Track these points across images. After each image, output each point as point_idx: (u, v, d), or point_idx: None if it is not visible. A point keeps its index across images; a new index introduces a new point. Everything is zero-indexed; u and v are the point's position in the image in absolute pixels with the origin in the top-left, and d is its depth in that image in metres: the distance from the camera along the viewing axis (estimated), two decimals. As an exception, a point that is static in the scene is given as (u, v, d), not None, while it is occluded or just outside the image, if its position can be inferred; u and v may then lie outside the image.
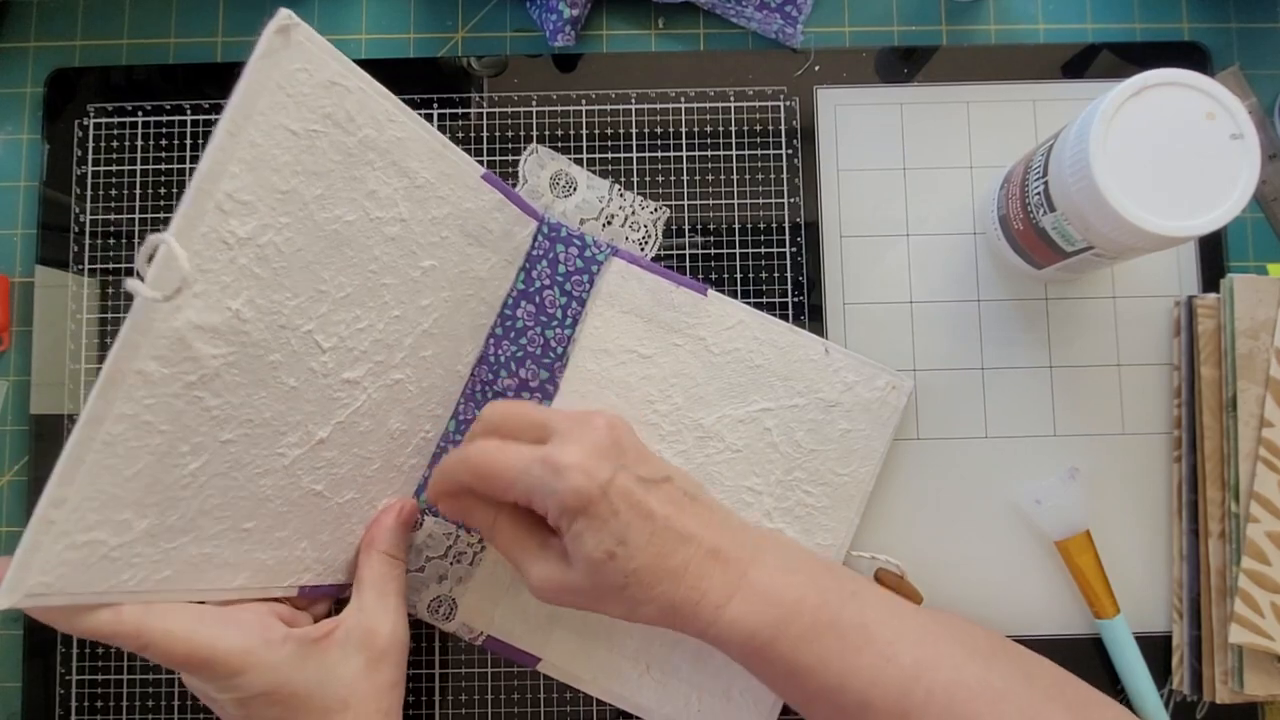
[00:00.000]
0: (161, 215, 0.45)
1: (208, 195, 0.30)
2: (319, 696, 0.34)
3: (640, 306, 0.42)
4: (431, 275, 0.38)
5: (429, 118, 0.45)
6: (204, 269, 0.30)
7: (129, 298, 0.44)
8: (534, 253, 0.42)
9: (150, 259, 0.29)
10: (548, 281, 0.42)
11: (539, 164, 0.44)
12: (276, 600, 0.37)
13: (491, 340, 0.42)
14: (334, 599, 0.41)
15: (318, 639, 0.35)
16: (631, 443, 0.36)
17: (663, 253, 0.44)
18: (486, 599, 0.42)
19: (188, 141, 0.45)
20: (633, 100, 0.45)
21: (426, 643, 0.43)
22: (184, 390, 0.30)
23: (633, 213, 0.44)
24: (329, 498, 0.37)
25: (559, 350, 0.42)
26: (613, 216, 0.44)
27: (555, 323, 0.42)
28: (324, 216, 0.33)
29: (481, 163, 0.45)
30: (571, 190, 0.44)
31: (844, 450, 0.42)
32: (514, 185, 0.44)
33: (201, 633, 0.32)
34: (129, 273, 0.44)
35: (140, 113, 0.45)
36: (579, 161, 0.45)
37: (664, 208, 0.44)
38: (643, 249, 0.44)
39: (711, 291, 0.43)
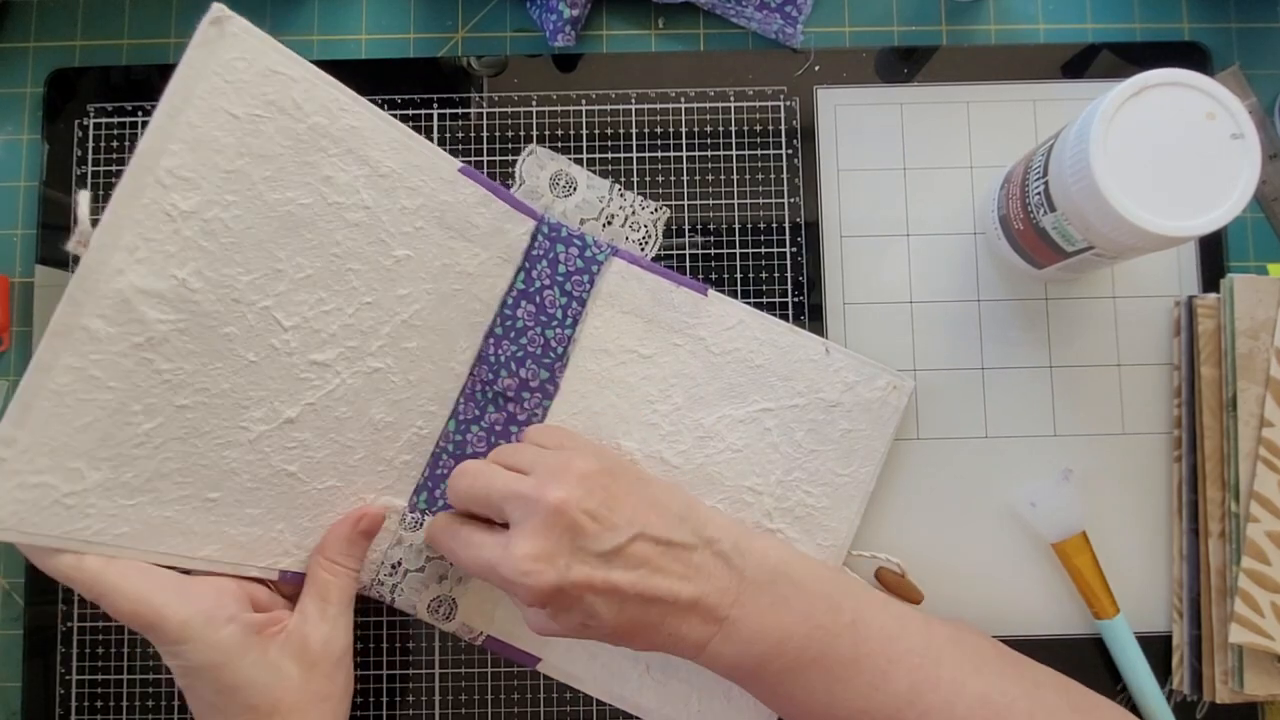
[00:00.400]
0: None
1: (148, 170, 0.33)
2: (251, 692, 0.34)
3: (640, 306, 0.42)
4: (407, 265, 0.39)
5: (429, 117, 0.45)
6: (146, 238, 0.33)
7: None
8: (534, 252, 0.42)
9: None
10: (548, 281, 0.42)
11: (538, 164, 0.44)
12: (257, 581, 0.38)
13: (491, 340, 0.42)
14: None
15: (261, 630, 0.35)
16: (593, 506, 0.34)
17: (663, 253, 0.44)
18: (486, 599, 0.42)
19: (188, 141, 0.45)
20: (633, 100, 0.45)
21: (426, 642, 0.43)
22: (132, 350, 0.33)
23: (633, 213, 0.44)
24: (306, 481, 0.38)
25: (559, 350, 0.42)
26: (613, 216, 0.44)
27: (555, 323, 0.42)
28: (275, 198, 0.35)
29: (481, 163, 0.45)
30: (571, 190, 0.44)
31: (845, 450, 0.42)
32: (511, 186, 0.44)
33: (153, 596, 0.33)
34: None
35: (140, 113, 0.45)
36: (579, 162, 0.45)
37: (664, 208, 0.44)
38: (643, 249, 0.44)
39: (712, 291, 0.43)
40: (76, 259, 0.33)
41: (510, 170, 0.45)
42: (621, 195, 0.44)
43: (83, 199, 0.33)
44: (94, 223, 0.33)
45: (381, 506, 0.40)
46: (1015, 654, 0.38)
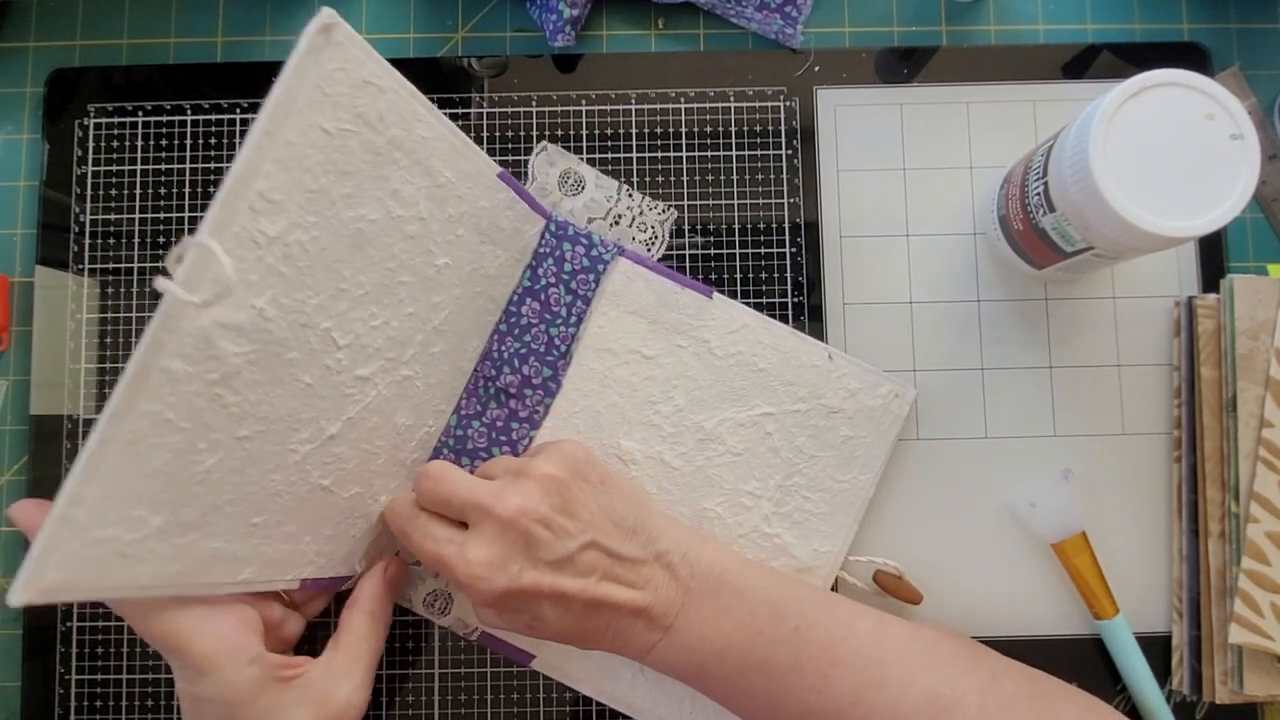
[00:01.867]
0: (161, 215, 0.45)
1: (241, 195, 0.30)
2: None
3: (645, 307, 0.42)
4: (445, 273, 0.38)
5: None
6: (237, 266, 0.30)
7: (129, 298, 0.44)
8: (540, 250, 0.42)
9: (180, 259, 0.28)
10: (553, 279, 0.42)
11: (548, 161, 0.44)
12: (276, 597, 0.38)
13: (495, 336, 0.42)
14: (332, 594, 0.41)
15: (281, 675, 0.35)
16: (548, 513, 0.35)
17: (663, 252, 0.44)
18: None
19: (188, 142, 0.45)
20: (633, 100, 0.45)
21: (426, 642, 0.43)
22: (205, 388, 0.30)
23: (640, 213, 0.44)
24: (335, 493, 0.37)
25: (563, 348, 0.42)
26: (620, 216, 0.44)
27: (560, 320, 0.42)
28: (349, 215, 0.33)
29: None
30: (580, 189, 0.44)
31: (845, 457, 0.42)
32: (524, 182, 0.44)
33: (182, 622, 0.33)
34: (129, 273, 0.44)
35: (140, 113, 0.45)
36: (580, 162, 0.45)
37: (672, 209, 0.44)
38: (649, 250, 0.44)
39: (716, 294, 0.43)
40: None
41: (511, 170, 0.45)
42: (629, 195, 0.44)
43: (219, 250, 0.29)
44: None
45: (402, 560, 0.40)
46: (978, 648, 0.38)
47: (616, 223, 0.44)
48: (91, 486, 0.29)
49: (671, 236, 0.44)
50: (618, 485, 0.38)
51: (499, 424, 0.42)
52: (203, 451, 0.31)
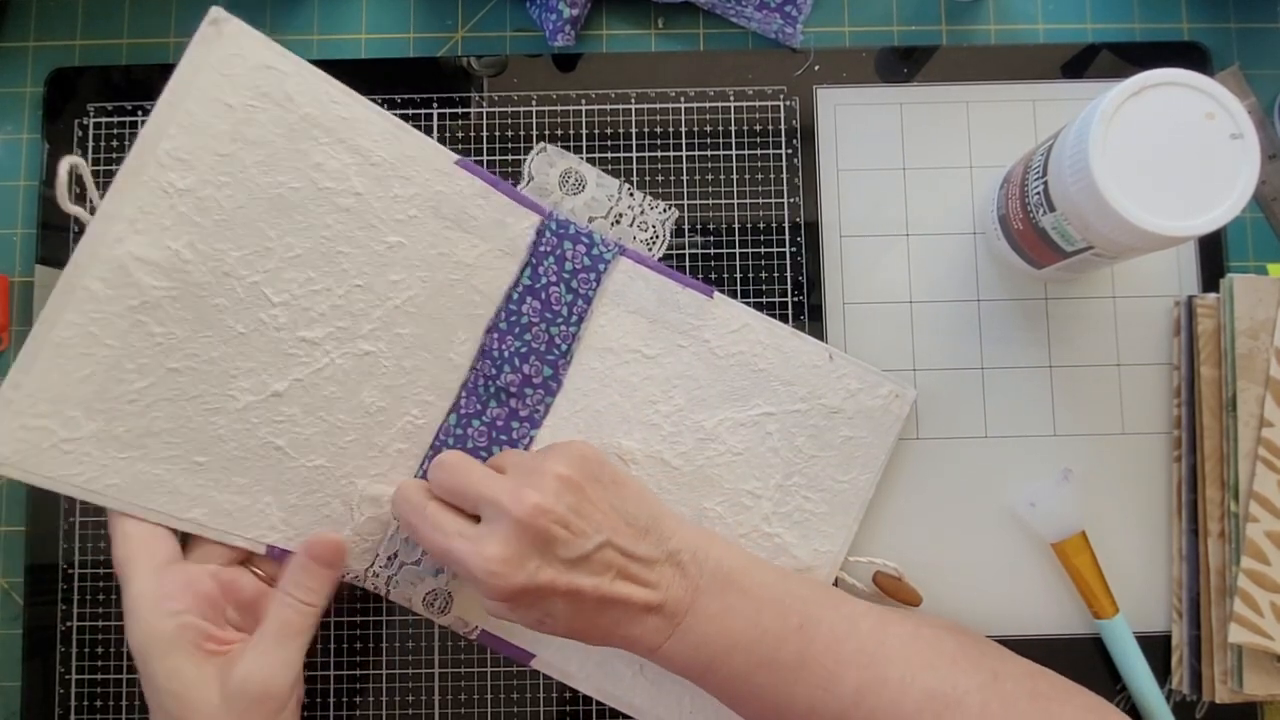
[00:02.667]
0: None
1: (149, 151, 0.37)
2: (165, 698, 0.34)
3: (646, 307, 0.42)
4: (400, 251, 0.40)
5: (429, 117, 0.45)
6: (145, 211, 0.37)
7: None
8: (541, 249, 0.42)
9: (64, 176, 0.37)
10: (554, 278, 0.42)
11: (548, 162, 0.44)
12: (245, 569, 0.38)
13: (495, 335, 0.42)
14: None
15: (204, 642, 0.35)
16: (564, 513, 0.35)
17: (664, 252, 0.44)
18: None
19: (187, 141, 0.45)
20: (632, 100, 0.45)
21: (425, 642, 0.43)
22: (127, 312, 0.37)
23: (641, 213, 0.44)
24: (294, 457, 0.39)
25: (563, 347, 0.42)
26: (621, 215, 0.44)
27: (560, 320, 0.42)
28: (266, 180, 0.38)
29: (481, 163, 0.45)
30: (581, 188, 0.44)
31: (845, 457, 0.42)
32: (519, 183, 0.44)
33: (138, 557, 0.36)
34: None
35: (140, 112, 0.45)
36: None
37: (673, 208, 0.44)
38: (650, 249, 0.44)
39: (717, 294, 0.43)
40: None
41: (511, 169, 0.45)
42: (631, 194, 0.44)
43: (77, 164, 0.38)
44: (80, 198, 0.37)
45: (337, 537, 0.39)
46: (984, 645, 0.38)
47: (618, 221, 0.44)
48: (28, 378, 0.36)
49: (672, 236, 0.44)
50: (629, 485, 0.38)
51: (499, 423, 0.42)
52: (131, 372, 0.37)
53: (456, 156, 0.41)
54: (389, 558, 0.41)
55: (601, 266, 0.42)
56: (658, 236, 0.44)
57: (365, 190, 0.39)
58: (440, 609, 0.41)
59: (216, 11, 0.38)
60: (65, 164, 0.37)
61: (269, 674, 0.35)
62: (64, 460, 0.36)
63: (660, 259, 0.44)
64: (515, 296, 0.42)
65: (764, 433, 0.42)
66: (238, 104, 0.37)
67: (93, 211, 0.37)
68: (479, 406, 0.42)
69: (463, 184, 0.41)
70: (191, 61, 0.37)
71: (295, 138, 0.38)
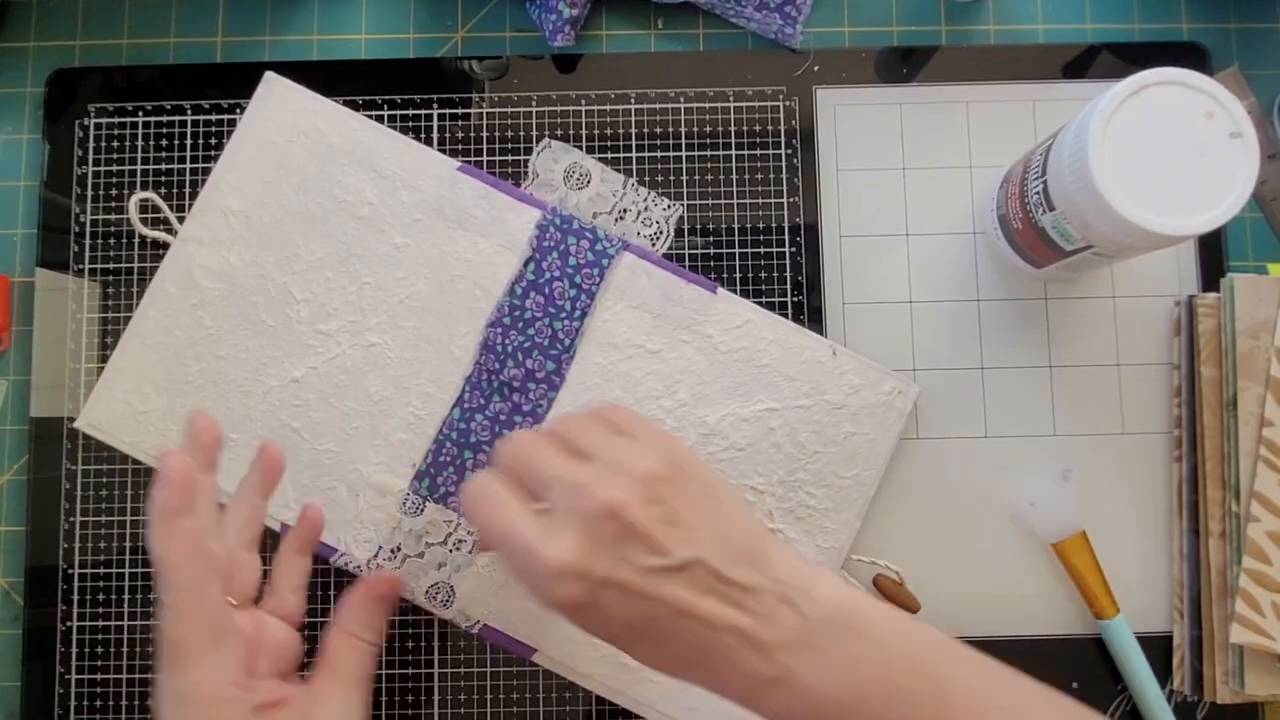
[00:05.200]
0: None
1: (215, 184, 0.44)
2: None
3: (649, 302, 0.43)
4: (406, 252, 0.44)
5: (429, 118, 0.45)
6: (210, 229, 0.44)
7: (129, 298, 0.44)
8: (544, 244, 0.43)
9: (139, 210, 0.45)
10: (558, 273, 0.42)
11: (552, 158, 0.44)
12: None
13: (499, 330, 0.42)
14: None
15: (263, 710, 0.32)
16: (648, 517, 0.29)
17: (667, 248, 0.44)
18: (484, 586, 0.42)
19: (188, 142, 0.45)
20: (632, 101, 0.46)
21: (425, 641, 0.43)
22: (190, 309, 0.44)
23: (645, 208, 0.44)
24: (308, 440, 0.43)
25: (567, 342, 0.42)
26: (625, 211, 0.44)
27: (564, 315, 0.42)
28: (298, 199, 0.44)
29: (481, 163, 0.45)
30: (586, 183, 0.44)
31: (848, 453, 0.42)
32: (523, 181, 0.44)
33: (195, 634, 0.32)
34: (129, 273, 0.45)
35: (141, 113, 0.45)
36: (579, 161, 0.45)
37: (676, 204, 0.44)
38: (654, 244, 0.44)
39: (721, 289, 0.43)
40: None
41: (512, 170, 0.45)
42: (635, 190, 0.44)
43: (152, 198, 0.45)
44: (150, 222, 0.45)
45: (395, 575, 0.39)
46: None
47: (622, 217, 0.44)
48: (124, 360, 0.43)
49: (675, 233, 0.45)
50: (725, 495, 0.32)
51: (502, 417, 0.42)
52: (189, 358, 0.44)
53: (459, 163, 0.43)
54: (392, 550, 0.41)
55: (605, 262, 0.42)
56: (662, 232, 0.44)
57: (377, 200, 0.44)
58: (443, 602, 0.42)
59: (270, 75, 0.45)
60: (135, 200, 0.44)
61: (358, 712, 0.34)
62: (138, 429, 0.43)
63: (663, 255, 0.44)
64: (518, 291, 0.42)
65: (767, 428, 0.42)
66: (280, 141, 0.44)
67: (168, 231, 0.45)
68: (482, 401, 0.42)
69: (465, 187, 0.43)
70: (250, 112, 0.45)
71: (322, 162, 0.44)
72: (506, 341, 0.42)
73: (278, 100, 0.45)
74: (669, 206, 0.44)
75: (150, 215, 0.45)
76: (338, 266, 0.44)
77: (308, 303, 0.44)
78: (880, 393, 0.43)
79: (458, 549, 0.42)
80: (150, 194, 0.45)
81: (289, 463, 0.41)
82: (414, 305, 0.43)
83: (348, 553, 0.42)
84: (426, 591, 0.42)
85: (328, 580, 0.43)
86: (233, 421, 0.43)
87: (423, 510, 0.42)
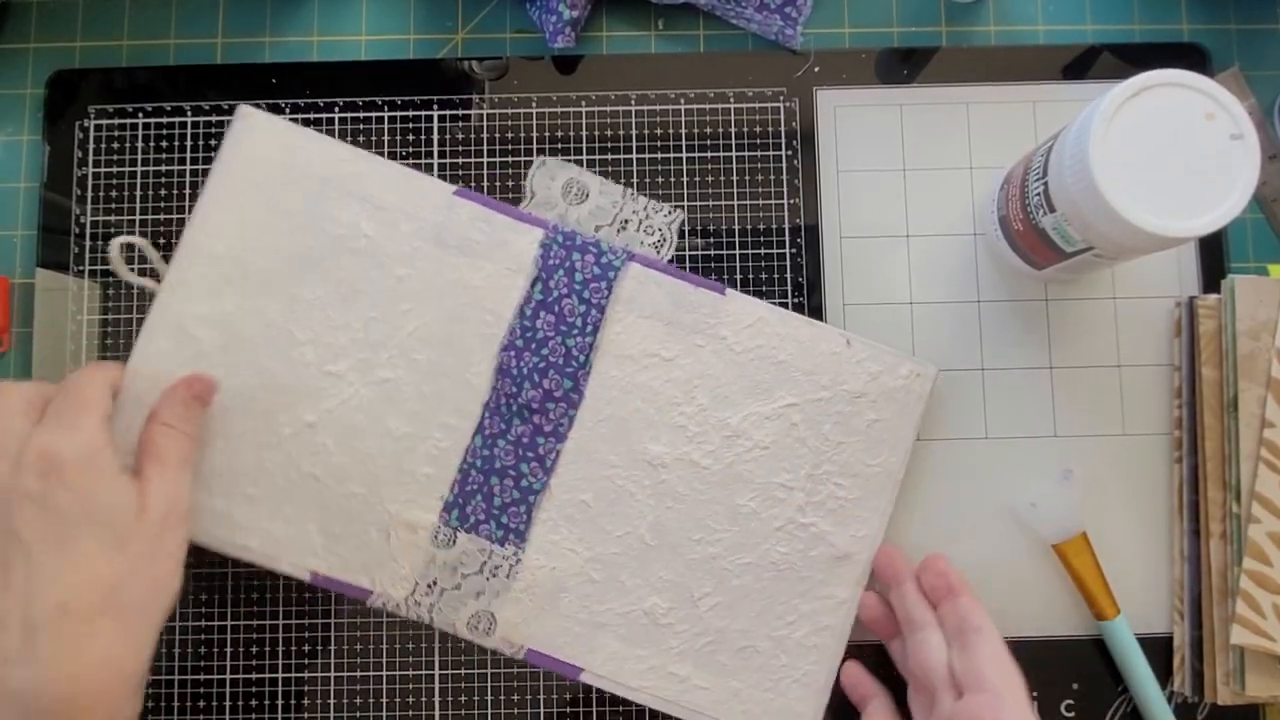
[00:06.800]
0: (162, 216, 0.45)
1: (200, 229, 0.42)
2: (123, 514, 0.35)
3: (660, 310, 0.42)
4: (408, 283, 0.42)
5: (429, 119, 0.45)
6: (200, 276, 0.42)
7: (129, 300, 0.44)
8: (549, 262, 0.42)
9: (123, 253, 0.42)
10: (565, 290, 0.42)
11: (549, 175, 0.44)
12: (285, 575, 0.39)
13: (512, 352, 0.42)
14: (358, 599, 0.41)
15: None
16: None
17: (671, 254, 0.44)
18: (524, 611, 0.41)
19: (188, 143, 0.45)
20: (633, 102, 0.45)
21: (426, 643, 0.43)
22: (188, 362, 0.41)
23: (647, 216, 0.44)
24: (331, 486, 0.41)
25: (581, 359, 0.42)
26: (626, 221, 0.44)
27: (576, 331, 0.42)
28: (292, 239, 0.42)
29: (481, 165, 0.45)
30: (584, 198, 0.44)
31: (872, 441, 0.42)
32: (521, 199, 0.44)
33: (100, 401, 0.36)
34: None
35: (141, 114, 0.45)
36: (579, 164, 0.45)
37: (678, 210, 0.44)
38: (658, 252, 0.44)
39: (729, 290, 0.43)
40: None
41: (512, 171, 0.45)
42: (634, 199, 0.44)
43: (136, 242, 0.43)
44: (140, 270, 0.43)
45: (209, 377, 0.41)
46: None
47: (624, 227, 0.44)
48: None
49: (678, 238, 0.44)
50: None
51: (524, 440, 0.42)
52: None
53: (455, 188, 0.42)
54: (429, 585, 0.41)
55: (612, 274, 0.42)
56: (665, 239, 0.44)
57: (374, 232, 0.42)
58: (485, 631, 0.41)
59: (243, 108, 0.43)
60: (117, 244, 0.42)
61: (184, 494, 0.37)
62: None
63: (669, 261, 0.44)
64: (528, 313, 0.42)
65: (789, 424, 0.42)
66: (264, 178, 0.42)
67: (154, 276, 0.42)
68: (503, 426, 0.42)
69: (463, 212, 0.42)
70: (227, 149, 0.42)
71: (312, 198, 0.42)
72: (521, 364, 0.42)
73: (258, 135, 0.43)
74: (670, 213, 0.44)
75: (139, 258, 0.43)
76: (339, 304, 0.42)
77: (312, 344, 0.42)
78: (898, 377, 0.42)
79: (494, 576, 0.41)
80: (135, 238, 0.43)
81: (317, 511, 0.41)
82: (424, 336, 0.42)
83: (384, 593, 0.41)
84: (467, 622, 0.41)
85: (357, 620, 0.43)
86: (250, 476, 0.41)
87: (454, 542, 0.41)
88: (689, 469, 0.42)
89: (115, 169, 0.45)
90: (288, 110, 0.45)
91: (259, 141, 0.43)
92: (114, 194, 0.45)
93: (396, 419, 0.42)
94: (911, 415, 0.42)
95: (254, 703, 0.43)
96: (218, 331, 0.42)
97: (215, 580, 0.43)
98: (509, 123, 0.45)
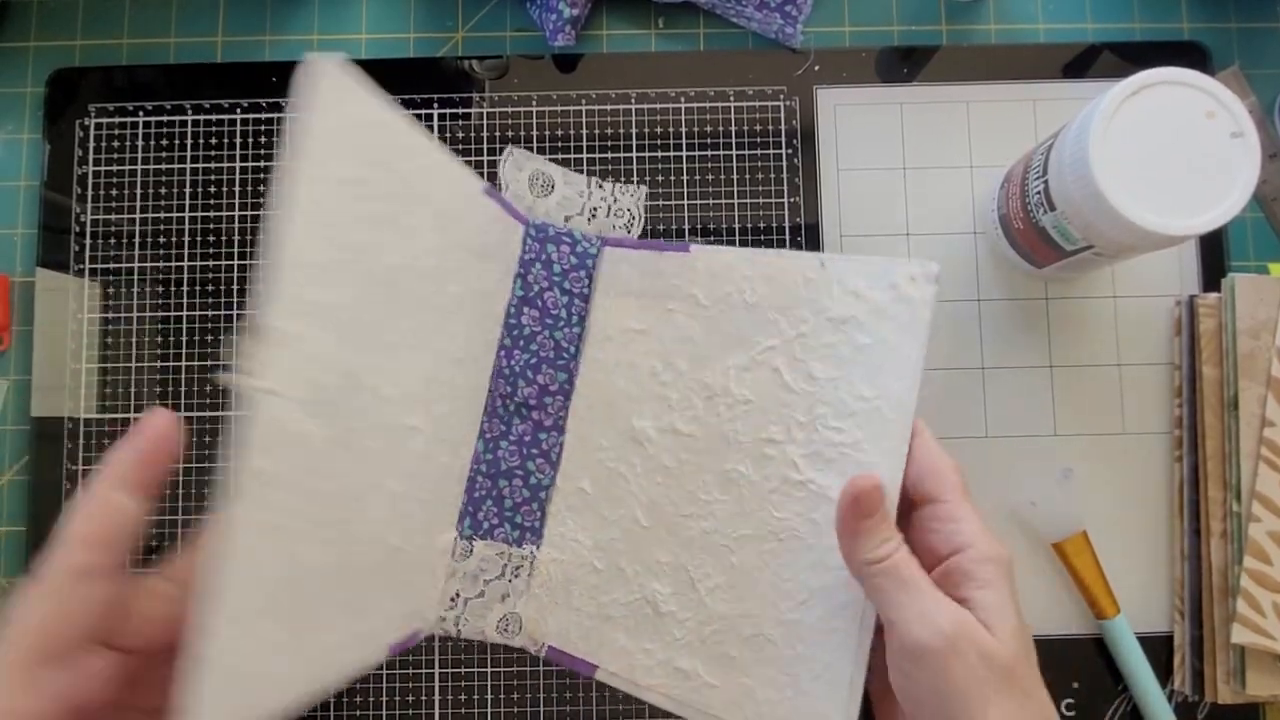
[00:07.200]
0: (162, 215, 0.45)
1: (292, 267, 0.29)
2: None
3: (631, 285, 0.41)
4: (456, 300, 0.38)
5: (429, 118, 0.45)
6: (296, 338, 0.30)
7: (130, 299, 0.44)
8: (526, 257, 0.41)
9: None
10: (546, 283, 0.41)
11: (516, 166, 0.44)
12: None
13: (502, 352, 0.41)
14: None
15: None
16: None
17: (641, 229, 0.44)
18: (542, 606, 0.40)
19: (189, 142, 0.45)
20: (633, 100, 0.45)
21: (425, 642, 0.43)
22: (304, 478, 0.30)
23: (614, 200, 0.44)
24: (407, 550, 0.37)
25: (571, 350, 0.41)
26: (595, 209, 0.44)
27: (561, 323, 0.41)
28: (378, 266, 0.32)
29: (481, 164, 0.45)
30: (550, 189, 0.44)
31: (868, 368, 0.36)
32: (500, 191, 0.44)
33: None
34: (130, 273, 0.44)
35: (141, 113, 0.45)
36: (579, 163, 0.45)
37: (642, 186, 0.44)
38: (630, 231, 0.44)
39: (694, 246, 0.40)
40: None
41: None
42: (600, 186, 0.44)
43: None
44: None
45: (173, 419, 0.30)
46: None
47: (594, 215, 0.44)
48: (234, 633, 0.28)
49: (672, 237, 0.44)
50: None
51: (526, 438, 0.41)
52: (310, 542, 0.31)
53: (483, 185, 0.39)
54: (451, 599, 0.40)
55: (589, 262, 0.41)
56: (635, 218, 0.44)
57: (434, 245, 0.35)
58: (514, 632, 0.40)
59: (316, 58, 0.30)
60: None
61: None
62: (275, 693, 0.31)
63: (639, 236, 0.43)
64: (512, 310, 0.41)
65: (770, 370, 0.38)
66: (351, 175, 0.31)
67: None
68: (503, 427, 0.41)
69: (488, 212, 0.39)
70: (302, 128, 0.30)
71: (396, 202, 0.33)
72: (512, 362, 0.40)
73: (335, 106, 0.30)
74: (635, 191, 0.44)
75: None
76: (414, 344, 0.35)
77: (397, 400, 0.34)
78: (889, 287, 0.36)
79: (516, 576, 0.40)
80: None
81: (394, 580, 0.35)
82: (463, 359, 0.38)
83: (425, 623, 0.39)
84: (496, 626, 0.40)
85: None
86: (346, 583, 0.33)
87: (471, 551, 0.40)
88: (674, 439, 0.39)
89: (115, 168, 0.45)
90: (287, 110, 0.45)
91: (338, 117, 0.31)
92: (114, 193, 0.45)
93: (444, 453, 0.38)
94: (913, 327, 0.36)
95: (254, 701, 0.43)
96: (320, 420, 0.31)
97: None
98: (509, 121, 0.45)
